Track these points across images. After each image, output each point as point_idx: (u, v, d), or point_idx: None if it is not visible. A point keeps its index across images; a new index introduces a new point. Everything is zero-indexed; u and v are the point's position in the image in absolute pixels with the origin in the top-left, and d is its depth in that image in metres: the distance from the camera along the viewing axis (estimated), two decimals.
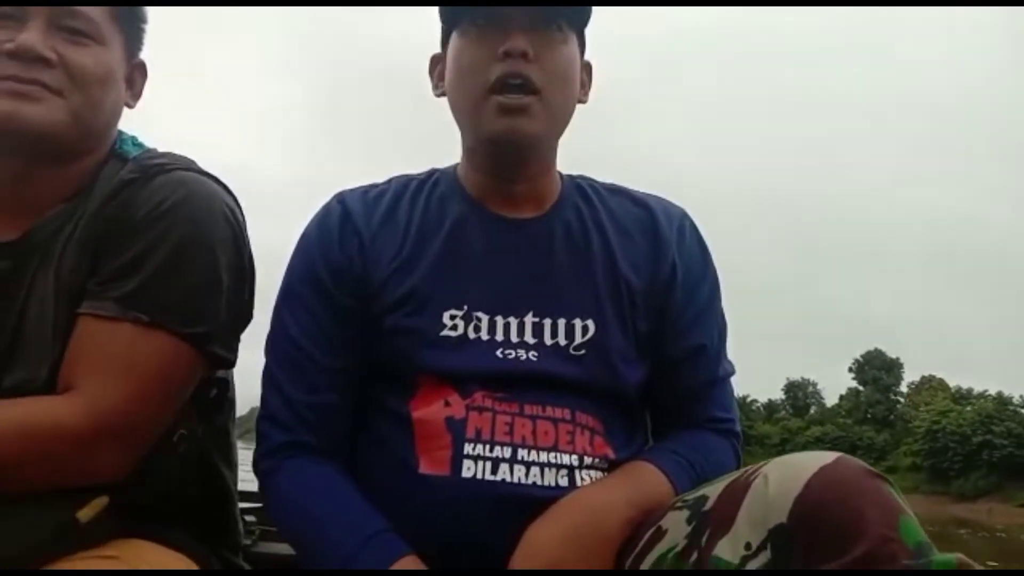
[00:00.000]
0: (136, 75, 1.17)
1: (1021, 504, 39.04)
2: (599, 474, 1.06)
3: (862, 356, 62.06)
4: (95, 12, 1.06)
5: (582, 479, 1.04)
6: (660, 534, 0.92)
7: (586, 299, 1.13)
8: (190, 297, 1.03)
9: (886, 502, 0.77)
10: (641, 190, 1.26)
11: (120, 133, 1.17)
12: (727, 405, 1.20)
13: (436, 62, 1.21)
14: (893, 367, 60.52)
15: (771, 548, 0.79)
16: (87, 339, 1.00)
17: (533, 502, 0.99)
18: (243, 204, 1.19)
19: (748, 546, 0.81)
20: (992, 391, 49.61)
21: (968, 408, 46.75)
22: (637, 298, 1.14)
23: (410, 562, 0.96)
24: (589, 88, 1.23)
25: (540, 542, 0.95)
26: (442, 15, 1.16)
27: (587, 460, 1.06)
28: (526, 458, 1.03)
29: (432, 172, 1.24)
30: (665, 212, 1.21)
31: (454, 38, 1.14)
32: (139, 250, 1.02)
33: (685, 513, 0.91)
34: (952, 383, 57.21)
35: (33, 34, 1.01)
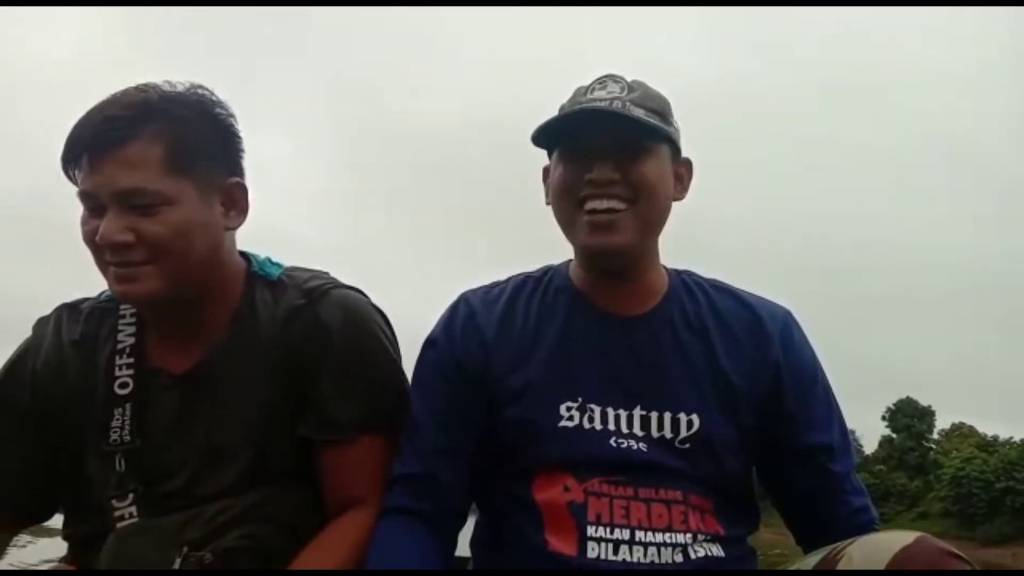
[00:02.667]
0: (236, 194, 1.25)
1: None
2: (712, 547, 1.17)
3: (894, 404, 63.67)
4: (151, 181, 1.14)
5: (696, 553, 1.15)
6: None
7: (690, 394, 1.22)
8: (393, 402, 1.30)
9: None
10: (744, 288, 1.34)
11: (252, 256, 1.34)
12: (862, 491, 1.28)
13: (547, 173, 1.31)
14: (925, 415, 61.72)
15: None
16: (348, 464, 1.26)
17: None
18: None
19: None
20: (1019, 438, 51.33)
21: (993, 455, 48.54)
22: (739, 395, 1.23)
23: None
24: (689, 182, 1.30)
25: None
26: (537, 142, 1.29)
27: (700, 537, 1.16)
28: (643, 539, 1.13)
29: (547, 270, 1.37)
30: (770, 314, 1.29)
31: (553, 157, 1.28)
32: (346, 374, 1.24)
33: None
34: (984, 430, 58.66)
35: (108, 223, 1.14)
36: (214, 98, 1.24)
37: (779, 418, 1.25)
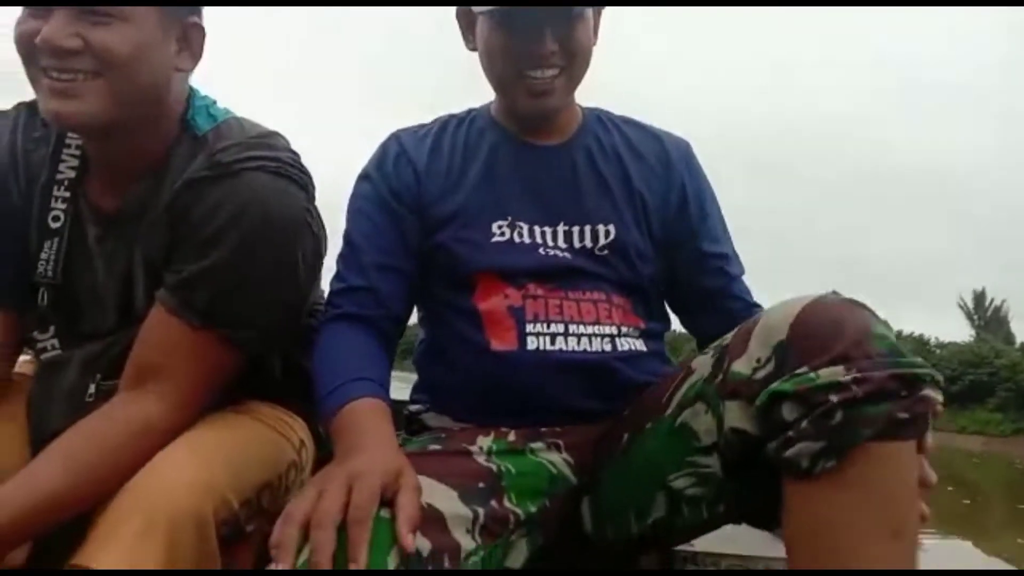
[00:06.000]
0: (192, 35, 1.16)
1: None
2: (635, 341, 1.29)
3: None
4: None
5: (621, 345, 1.27)
6: (690, 372, 1.11)
7: (606, 208, 1.33)
8: (248, 311, 1.12)
9: (861, 317, 0.94)
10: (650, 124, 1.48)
11: (194, 100, 1.20)
12: (751, 295, 1.43)
13: (463, 17, 1.35)
14: None
15: (774, 359, 0.96)
16: (173, 339, 1.09)
17: (585, 364, 1.23)
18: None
19: (758, 360, 0.98)
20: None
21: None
22: (650, 208, 1.36)
23: (366, 403, 1.09)
24: (599, 28, 1.36)
25: None
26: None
27: (624, 329, 1.29)
28: (576, 331, 1.25)
29: (470, 111, 1.45)
30: (675, 144, 1.44)
31: (485, 16, 1.26)
32: (207, 262, 1.09)
33: (710, 353, 1.09)
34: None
35: (54, 24, 1.03)
36: None
37: (684, 229, 1.40)
